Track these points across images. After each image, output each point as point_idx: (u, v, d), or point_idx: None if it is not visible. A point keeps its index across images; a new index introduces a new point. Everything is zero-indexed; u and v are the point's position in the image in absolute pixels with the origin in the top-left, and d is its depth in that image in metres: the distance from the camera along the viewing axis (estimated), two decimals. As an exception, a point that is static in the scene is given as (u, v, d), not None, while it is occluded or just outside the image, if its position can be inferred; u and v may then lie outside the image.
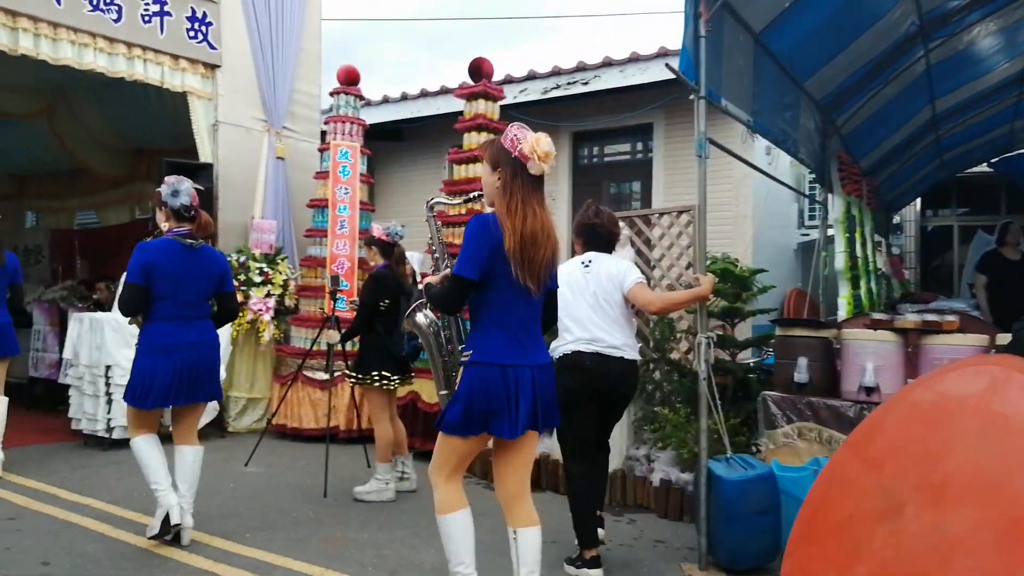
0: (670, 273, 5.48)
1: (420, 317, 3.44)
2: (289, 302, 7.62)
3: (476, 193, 3.13)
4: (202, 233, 4.21)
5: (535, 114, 8.44)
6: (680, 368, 5.32)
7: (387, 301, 5.17)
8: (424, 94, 9.36)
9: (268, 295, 7.43)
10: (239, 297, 7.32)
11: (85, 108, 9.33)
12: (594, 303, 3.79)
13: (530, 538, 2.94)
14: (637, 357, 3.86)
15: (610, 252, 4.00)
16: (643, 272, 5.86)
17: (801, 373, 4.45)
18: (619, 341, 3.77)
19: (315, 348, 6.35)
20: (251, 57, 7.87)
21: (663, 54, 7.63)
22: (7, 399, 5.63)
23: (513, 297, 2.80)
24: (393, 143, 10.30)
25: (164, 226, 4.13)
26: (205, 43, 7.53)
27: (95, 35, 6.70)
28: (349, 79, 7.50)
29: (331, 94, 7.60)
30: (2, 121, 9.65)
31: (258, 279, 7.42)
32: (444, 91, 9.14)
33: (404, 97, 9.56)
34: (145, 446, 4.06)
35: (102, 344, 6.41)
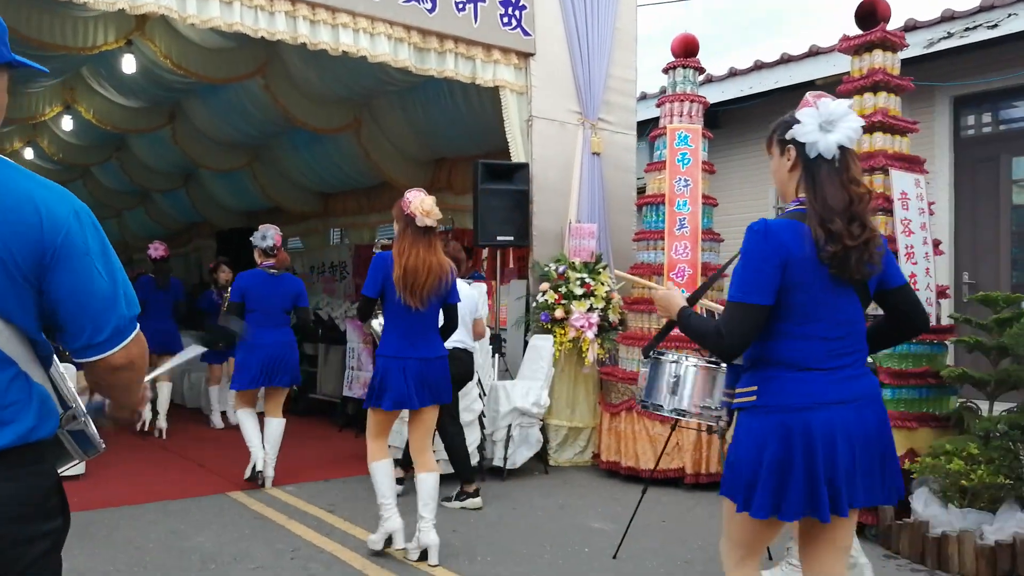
0: None
1: (375, 323, 4.47)
2: (613, 317, 6.56)
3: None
4: (280, 265, 5.77)
5: (903, 75, 6.62)
6: None
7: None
8: (759, 66, 7.87)
9: (591, 309, 6.43)
10: (560, 312, 6.42)
11: (389, 117, 9.06)
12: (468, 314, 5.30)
13: (427, 480, 4.05)
14: None
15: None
16: None
17: None
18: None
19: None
20: (565, 42, 6.95)
21: None
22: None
23: (405, 310, 4.00)
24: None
25: (257, 260, 5.68)
26: (519, 29, 6.72)
27: (409, 28, 6.11)
28: (687, 50, 6.26)
29: (665, 70, 6.41)
30: (313, 137, 9.71)
31: (579, 291, 6.44)
32: (785, 60, 7.60)
33: (732, 73, 8.13)
34: (247, 417, 5.64)
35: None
